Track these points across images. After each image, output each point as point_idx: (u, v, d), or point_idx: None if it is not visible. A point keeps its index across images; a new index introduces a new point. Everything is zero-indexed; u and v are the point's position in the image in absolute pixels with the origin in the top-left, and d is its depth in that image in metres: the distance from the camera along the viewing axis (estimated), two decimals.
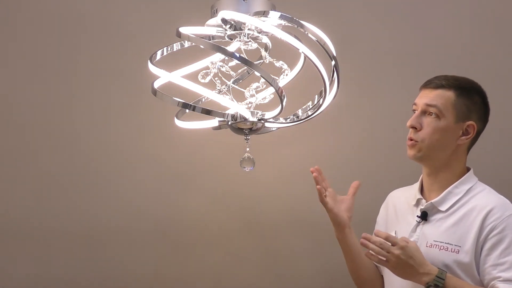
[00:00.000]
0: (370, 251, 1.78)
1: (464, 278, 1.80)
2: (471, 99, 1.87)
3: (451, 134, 1.86)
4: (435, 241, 1.83)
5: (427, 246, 1.83)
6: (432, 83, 1.89)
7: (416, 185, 1.97)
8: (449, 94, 1.86)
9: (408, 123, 1.88)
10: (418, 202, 1.92)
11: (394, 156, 2.55)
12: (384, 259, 1.77)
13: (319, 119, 1.85)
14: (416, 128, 1.87)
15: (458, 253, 1.80)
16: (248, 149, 1.76)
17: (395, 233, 1.90)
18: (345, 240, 1.98)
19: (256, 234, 2.67)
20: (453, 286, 1.76)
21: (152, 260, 2.65)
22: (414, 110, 1.90)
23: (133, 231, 2.62)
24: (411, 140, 1.87)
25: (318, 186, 1.92)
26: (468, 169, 1.92)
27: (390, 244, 1.77)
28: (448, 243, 1.82)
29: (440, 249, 1.82)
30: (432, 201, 1.88)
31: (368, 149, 2.61)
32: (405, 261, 1.75)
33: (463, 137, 1.87)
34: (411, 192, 1.98)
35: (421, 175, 1.96)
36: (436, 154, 1.87)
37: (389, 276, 1.92)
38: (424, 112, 1.87)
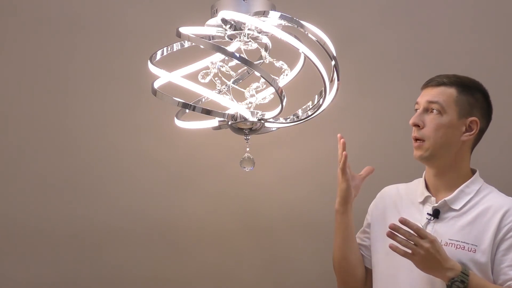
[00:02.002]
0: (395, 243, 1.74)
1: None
2: (473, 96, 1.87)
3: (455, 130, 1.85)
4: (451, 239, 1.82)
5: (442, 245, 1.79)
6: (433, 81, 1.89)
7: (419, 184, 1.95)
8: (451, 91, 1.86)
9: (411, 121, 1.87)
10: (426, 200, 1.90)
11: (395, 156, 2.55)
12: (410, 251, 1.73)
13: (319, 119, 1.85)
14: (419, 126, 1.86)
15: (475, 252, 1.80)
16: (248, 149, 1.76)
17: None
18: (345, 214, 1.93)
19: (256, 234, 2.67)
20: (476, 283, 1.75)
21: (152, 261, 2.65)
22: (416, 109, 1.90)
23: (132, 232, 2.62)
24: (417, 140, 1.86)
25: (345, 152, 1.87)
26: (473, 170, 1.92)
27: (418, 236, 1.73)
28: (464, 242, 1.81)
29: (456, 247, 1.81)
30: (446, 199, 1.86)
31: (368, 149, 2.60)
32: (433, 255, 1.72)
33: (467, 133, 1.86)
34: (412, 189, 1.96)
35: (423, 175, 1.95)
36: (442, 152, 1.86)
37: (391, 270, 1.90)
38: (426, 110, 1.87)
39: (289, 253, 2.67)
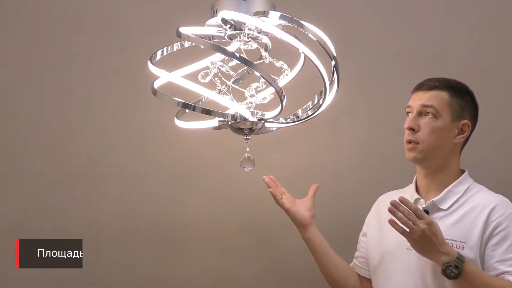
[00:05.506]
0: (395, 219, 1.77)
1: None
2: (463, 99, 1.91)
3: (448, 134, 1.89)
4: None
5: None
6: (425, 85, 1.92)
7: (411, 187, 1.99)
8: (443, 95, 1.90)
9: (406, 125, 1.91)
10: (416, 202, 1.94)
11: (394, 157, 2.55)
12: (408, 230, 1.76)
13: (319, 119, 1.85)
14: (414, 130, 1.89)
15: (463, 249, 1.82)
16: (248, 149, 1.77)
17: (387, 236, 1.92)
18: (312, 239, 2.03)
19: (256, 234, 2.67)
20: (470, 270, 1.76)
21: (151, 260, 2.65)
22: (408, 112, 1.93)
23: (132, 231, 2.62)
24: (410, 142, 1.90)
25: (270, 189, 2.03)
26: (462, 171, 1.96)
27: (416, 216, 1.76)
28: (452, 240, 1.83)
29: None
30: (434, 199, 1.90)
31: (368, 149, 2.60)
32: (429, 236, 1.75)
33: (459, 136, 1.91)
34: (405, 194, 1.99)
35: (415, 178, 1.99)
36: (435, 154, 1.90)
37: (386, 274, 1.93)
38: (420, 113, 1.90)
39: (289, 253, 2.67)
